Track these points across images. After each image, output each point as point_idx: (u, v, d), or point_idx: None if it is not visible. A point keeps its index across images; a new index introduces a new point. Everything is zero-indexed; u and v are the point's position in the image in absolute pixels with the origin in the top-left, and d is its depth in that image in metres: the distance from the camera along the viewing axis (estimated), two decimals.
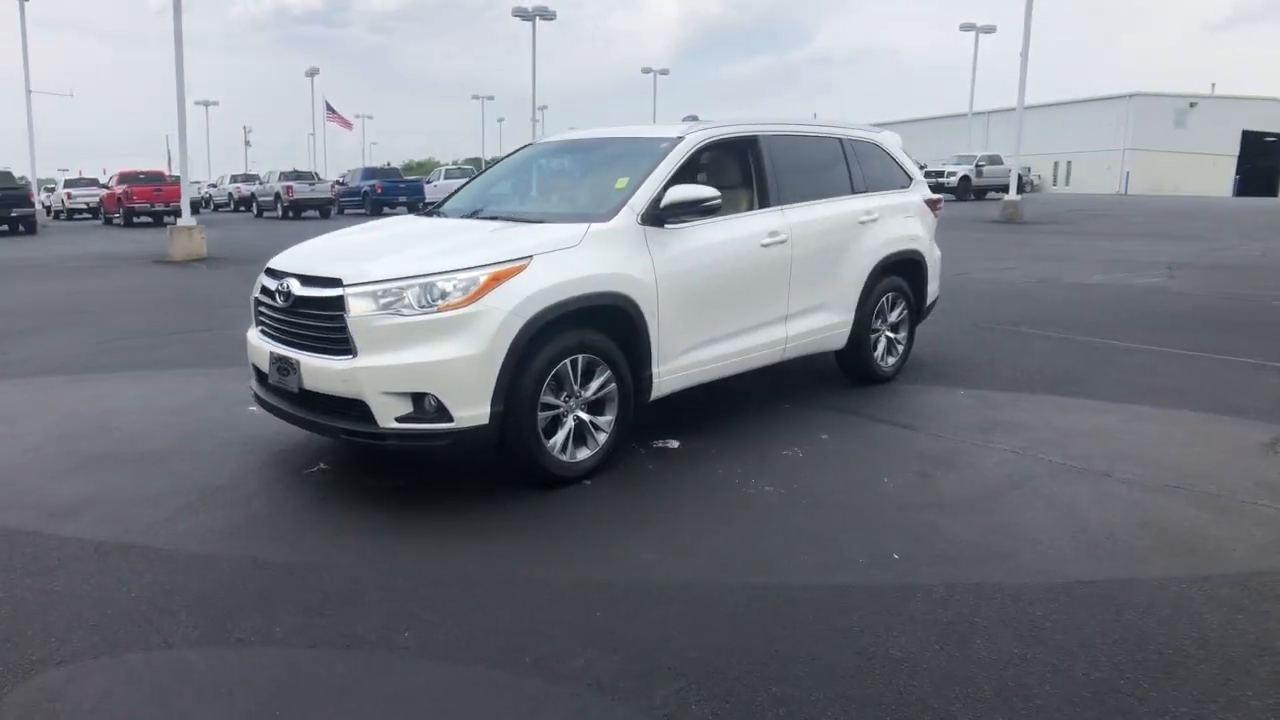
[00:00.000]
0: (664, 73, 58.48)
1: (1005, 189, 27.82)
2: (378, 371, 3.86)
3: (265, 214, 34.73)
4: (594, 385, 4.32)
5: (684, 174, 4.83)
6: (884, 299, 6.07)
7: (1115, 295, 10.58)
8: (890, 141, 6.41)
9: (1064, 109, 59.36)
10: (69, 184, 35.76)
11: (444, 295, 3.89)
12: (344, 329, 3.93)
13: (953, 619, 3.01)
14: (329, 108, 54.93)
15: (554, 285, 4.07)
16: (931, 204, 6.60)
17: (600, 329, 4.32)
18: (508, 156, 6.12)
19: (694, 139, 4.99)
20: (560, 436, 4.22)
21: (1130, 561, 3.45)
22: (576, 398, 4.27)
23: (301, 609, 3.12)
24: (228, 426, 5.25)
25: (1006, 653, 2.80)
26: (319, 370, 4.01)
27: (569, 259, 4.20)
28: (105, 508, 4.07)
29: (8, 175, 24.94)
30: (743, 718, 2.48)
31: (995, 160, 37.98)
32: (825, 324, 5.63)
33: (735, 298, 4.97)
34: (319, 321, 4.05)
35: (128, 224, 28.00)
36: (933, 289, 6.60)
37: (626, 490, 4.23)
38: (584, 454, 4.33)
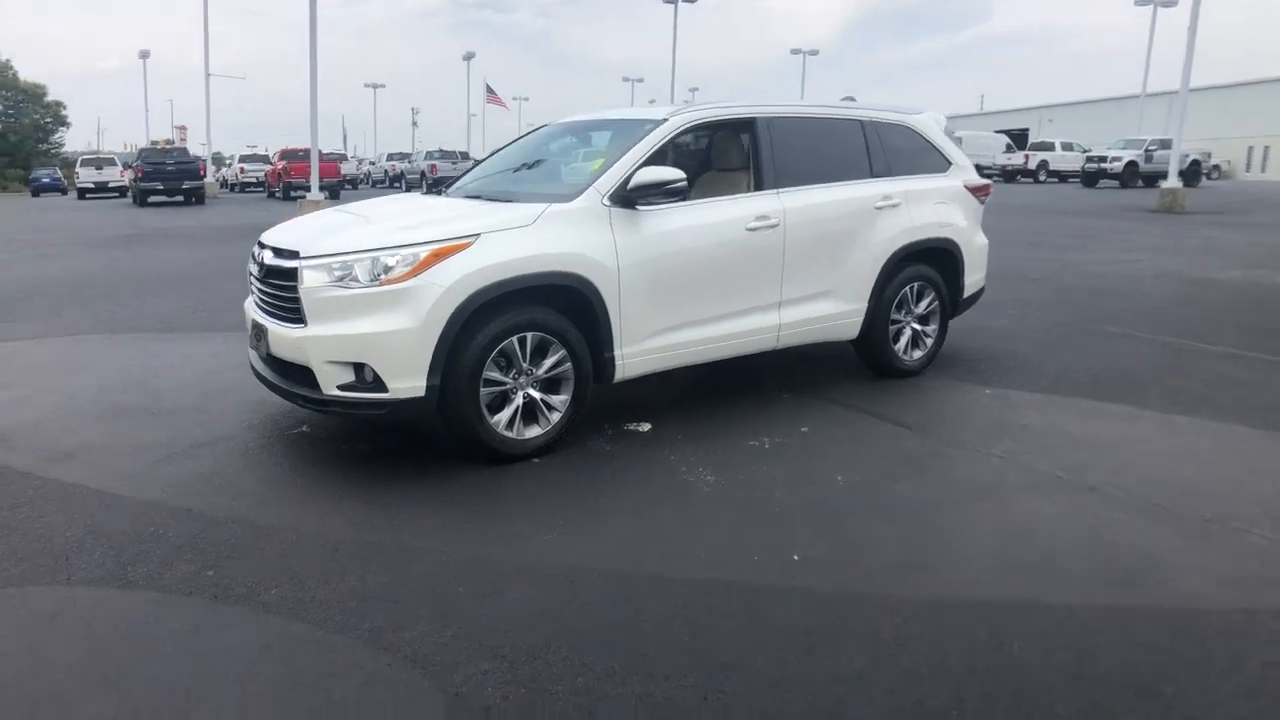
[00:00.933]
0: (813, 53, 57.24)
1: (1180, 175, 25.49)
2: (322, 341, 4.02)
3: (413, 190, 36.47)
4: (547, 364, 4.33)
5: (660, 157, 4.74)
6: (907, 289, 5.74)
7: (1238, 294, 9.55)
8: (926, 123, 6.03)
9: (1262, 88, 53.67)
10: (243, 159, 38.76)
11: (387, 270, 3.99)
12: (298, 299, 4.10)
13: (811, 628, 2.85)
14: (488, 89, 56.89)
15: (496, 264, 4.09)
16: (976, 189, 6.17)
17: (554, 308, 4.32)
18: (522, 136, 6.17)
19: (676, 121, 4.87)
20: (507, 413, 4.26)
21: (1050, 585, 3.14)
22: (528, 375, 4.29)
23: (199, 559, 3.31)
24: (243, 388, 5.60)
25: (845, 669, 2.63)
26: (280, 337, 4.22)
27: (518, 238, 4.22)
28: (96, 455, 4.45)
29: (183, 151, 27.38)
30: (532, 704, 2.45)
31: (1168, 145, 34.85)
32: (830, 312, 5.38)
33: (715, 281, 4.84)
34: (282, 291, 4.25)
35: (286, 197, 30.11)
36: (973, 280, 6.18)
37: (571, 470, 4.23)
38: (534, 432, 4.35)
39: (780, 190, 5.11)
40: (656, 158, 4.72)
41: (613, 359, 4.52)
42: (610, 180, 4.53)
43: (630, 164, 4.58)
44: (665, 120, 4.86)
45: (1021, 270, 10.98)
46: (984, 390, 5.60)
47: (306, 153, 30.86)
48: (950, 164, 6.07)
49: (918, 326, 5.89)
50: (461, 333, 4.06)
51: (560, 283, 4.27)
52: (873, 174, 5.61)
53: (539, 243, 4.24)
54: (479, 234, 4.14)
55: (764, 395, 5.50)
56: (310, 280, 4.05)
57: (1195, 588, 3.13)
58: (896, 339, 5.79)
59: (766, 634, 2.80)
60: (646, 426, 4.85)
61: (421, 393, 4.01)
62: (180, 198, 26.87)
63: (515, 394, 4.29)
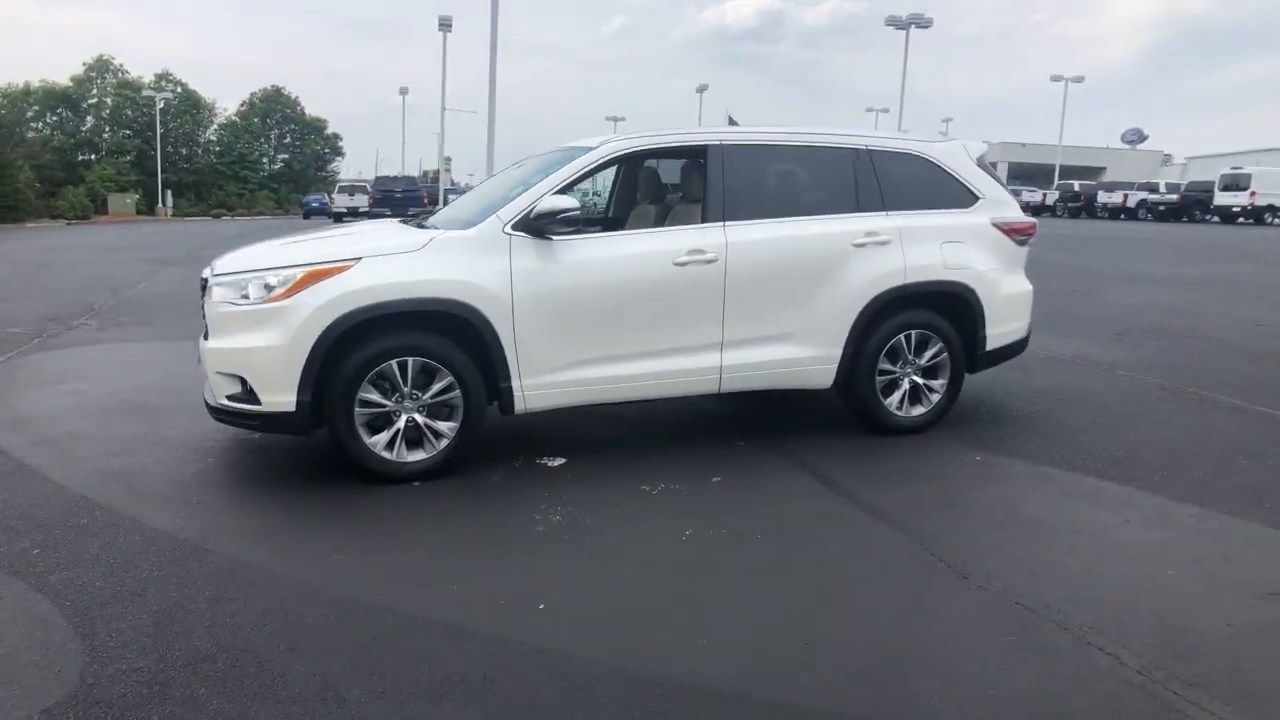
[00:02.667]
0: (1078, 80, 52.86)
1: None
2: (214, 353, 4.28)
3: None
4: (434, 389, 4.33)
5: (570, 188, 4.60)
6: (902, 337, 5.14)
7: None
8: (948, 153, 5.38)
9: None
10: (467, 187, 42.23)
11: (270, 289, 4.18)
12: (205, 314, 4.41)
13: (464, 675, 2.61)
14: (730, 120, 57.93)
15: (370, 287, 4.16)
16: (1010, 228, 5.42)
17: (446, 335, 4.32)
18: (511, 166, 6.24)
19: (605, 150, 4.72)
20: (386, 435, 4.29)
21: (739, 680, 2.67)
22: (412, 399, 4.31)
23: (41, 544, 3.61)
24: None
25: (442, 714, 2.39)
26: (200, 349, 4.54)
27: (399, 264, 4.26)
28: (73, 444, 5.00)
29: (410, 179, 30.34)
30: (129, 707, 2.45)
31: None
32: (790, 357, 4.93)
33: (636, 317, 4.60)
34: (203, 307, 4.58)
35: None
36: (1002, 332, 5.41)
37: (439, 498, 4.18)
38: (417, 456, 4.35)
39: (728, 223, 4.78)
40: (574, 187, 4.60)
41: (510, 389, 4.43)
42: (515, 209, 4.46)
43: (538, 193, 4.50)
44: (593, 149, 4.72)
45: (1193, 327, 9.43)
46: (994, 459, 4.83)
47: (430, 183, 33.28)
48: (977, 199, 5.38)
49: (920, 380, 5.25)
50: (333, 353, 4.15)
51: (442, 309, 4.26)
52: (859, 208, 5.09)
53: (421, 269, 4.26)
54: (360, 258, 4.23)
55: (717, 440, 5.14)
56: (216, 296, 4.33)
57: None
58: (889, 392, 5.19)
59: (421, 673, 2.61)
60: (559, 461, 4.69)
61: (291, 408, 4.15)
62: None
63: (398, 417, 4.31)
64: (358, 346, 4.19)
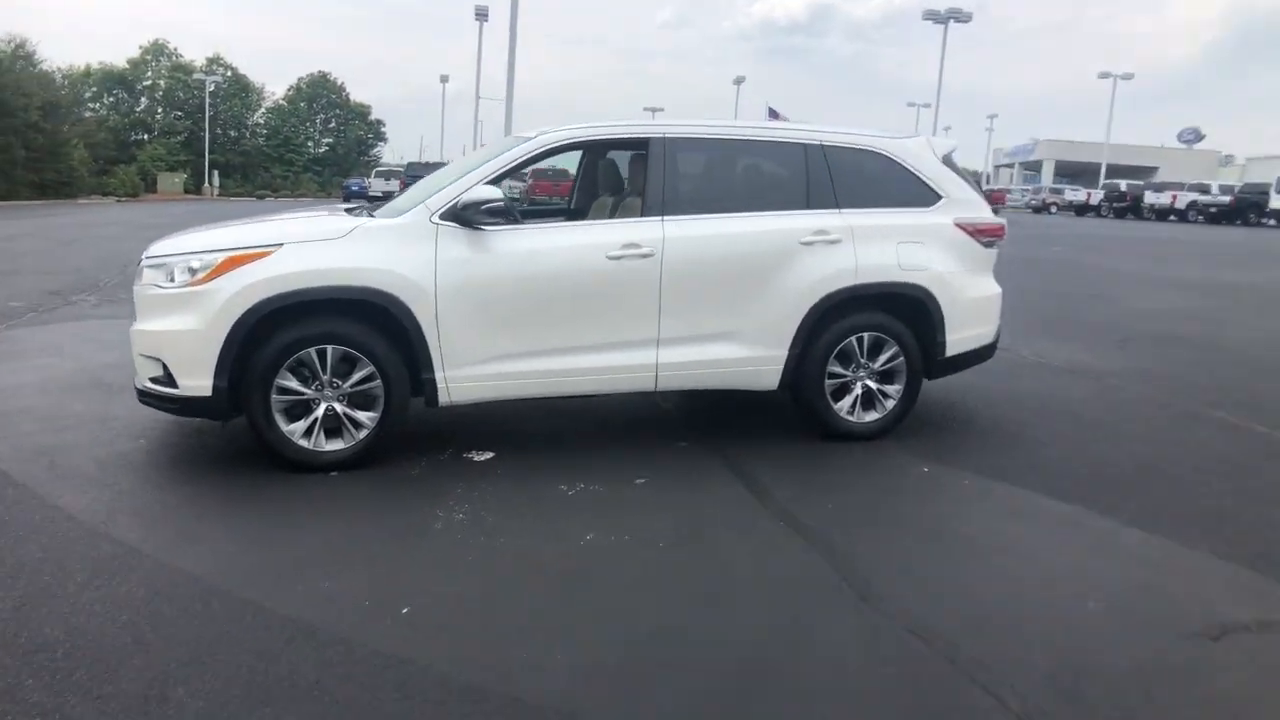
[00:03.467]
0: (1127, 78, 51.40)
1: None
2: (137, 335, 4.27)
3: None
4: (354, 379, 4.27)
5: (502, 178, 4.50)
6: (853, 340, 4.96)
7: None
8: (910, 150, 5.17)
9: None
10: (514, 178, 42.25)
11: (192, 273, 4.15)
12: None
13: (294, 678, 2.54)
14: (771, 112, 57.40)
15: (288, 274, 4.11)
16: (975, 229, 5.20)
17: (364, 324, 4.26)
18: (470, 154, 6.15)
19: (541, 141, 4.61)
20: (303, 424, 4.25)
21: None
22: (333, 388, 4.26)
23: None
24: None
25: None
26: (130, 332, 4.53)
27: (320, 251, 4.20)
28: (20, 419, 5.03)
29: (441, 165, 30.38)
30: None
31: None
32: (731, 357, 4.78)
33: (565, 311, 4.49)
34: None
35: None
36: (964, 336, 5.20)
37: (351, 490, 4.12)
38: (335, 445, 4.30)
39: (667, 218, 4.64)
40: (508, 176, 4.50)
41: (434, 380, 4.36)
42: (444, 198, 4.38)
43: (469, 182, 4.40)
44: (530, 139, 4.62)
45: (1210, 337, 9.04)
46: (957, 479, 4.53)
47: (554, 173, 33.09)
48: (939, 198, 5.17)
49: (874, 385, 5.07)
50: (250, 339, 4.11)
51: (361, 298, 4.19)
52: (809, 205, 4.92)
53: (341, 257, 4.19)
54: (281, 244, 4.18)
55: (660, 438, 5.02)
56: (145, 279, 4.31)
57: None
58: (840, 396, 5.02)
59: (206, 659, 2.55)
60: (487, 456, 4.61)
61: (208, 392, 4.12)
62: None
63: (316, 405, 4.26)
64: (276, 333, 4.14)
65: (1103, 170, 51.96)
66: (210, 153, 56.72)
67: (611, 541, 3.64)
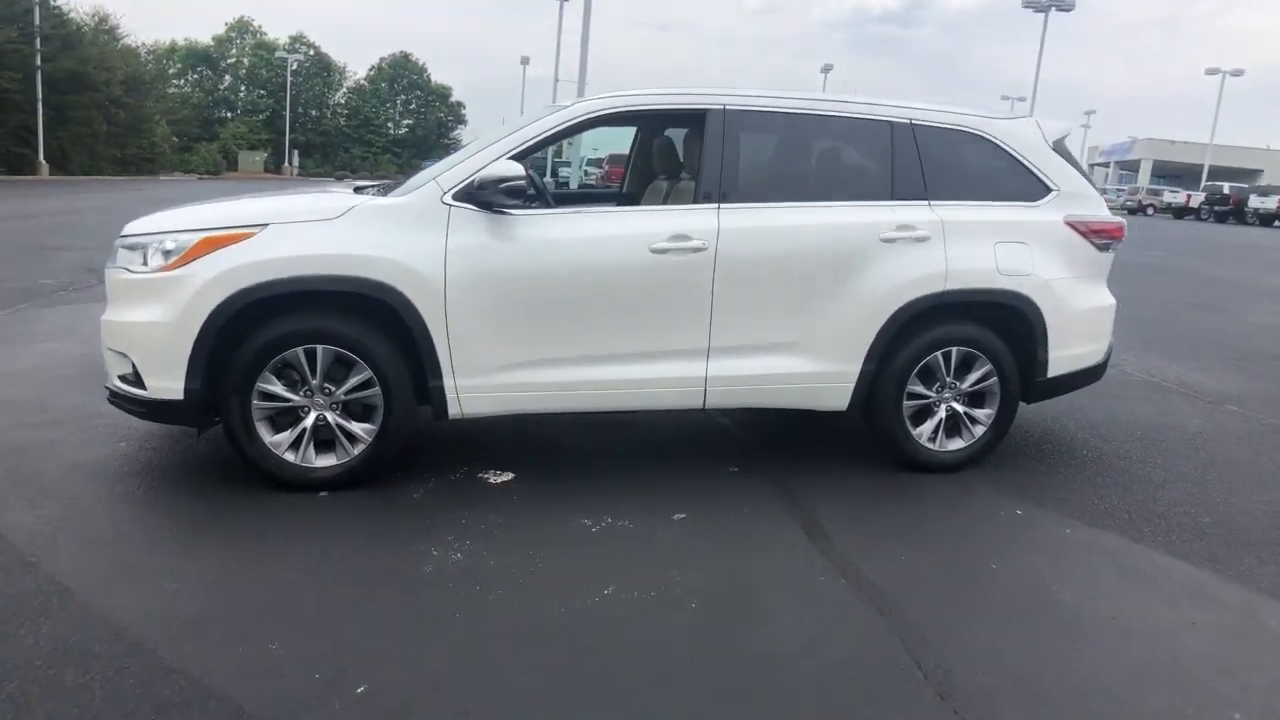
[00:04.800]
0: (1236, 74, 48.42)
1: None
2: (106, 326, 3.75)
3: None
4: (349, 384, 3.68)
5: (529, 153, 3.83)
6: (939, 355, 4.19)
7: None
8: (1015, 132, 4.35)
9: None
10: (589, 162, 41.70)
11: (167, 255, 3.60)
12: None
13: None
14: None
15: (271, 259, 3.52)
16: (1089, 229, 4.37)
17: (361, 321, 3.66)
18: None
19: (580, 109, 3.92)
20: (288, 435, 3.68)
21: None
22: (325, 394, 3.68)
23: None
24: None
25: None
26: None
27: (310, 233, 3.60)
28: (1, 411, 4.60)
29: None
30: None
31: None
32: (795, 371, 4.06)
33: (599, 312, 3.83)
34: None
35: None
36: (1070, 354, 4.38)
37: (338, 516, 3.54)
38: (326, 461, 3.73)
39: (724, 206, 3.93)
40: (538, 149, 3.85)
41: (441, 389, 3.74)
42: (457, 175, 3.74)
43: (489, 156, 3.76)
44: (566, 107, 3.94)
45: None
46: (1058, 527, 3.75)
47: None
48: (1049, 190, 4.35)
49: (960, 408, 4.29)
50: (227, 334, 3.55)
51: (355, 290, 3.59)
52: (894, 195, 4.15)
53: (333, 241, 3.59)
54: (267, 224, 3.59)
55: (709, 461, 4.32)
56: (119, 260, 3.78)
57: None
58: (920, 419, 4.26)
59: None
60: (506, 477, 3.99)
61: (179, 395, 3.57)
62: None
63: (305, 414, 3.69)
64: (259, 329, 3.57)
65: (1204, 172, 49.03)
66: (291, 132, 57.67)
67: (634, 599, 2.97)
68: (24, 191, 25.36)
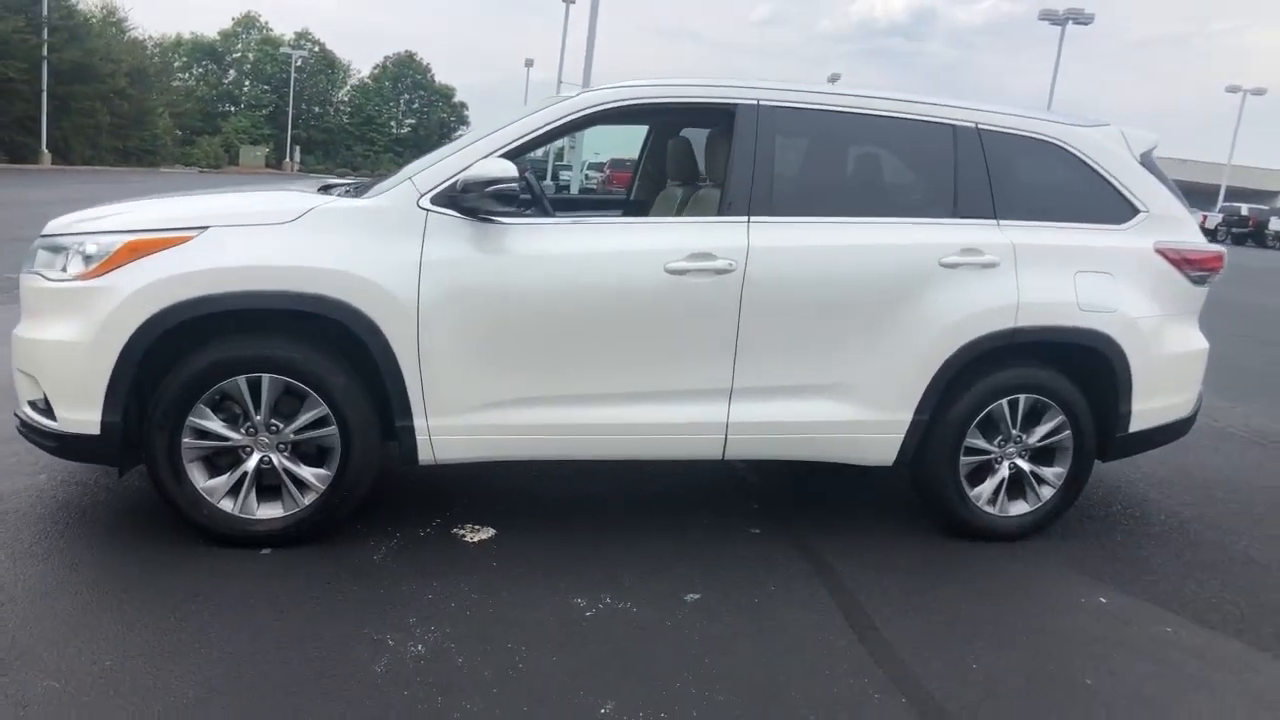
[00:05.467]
0: (1259, 93, 47.78)
1: None
2: (15, 342, 3.11)
3: None
4: (300, 422, 3.04)
5: (523, 151, 3.19)
6: (1004, 402, 3.55)
7: None
8: (1098, 143, 3.70)
9: None
10: (590, 166, 41.06)
11: (88, 260, 2.97)
12: None
13: None
14: None
15: (212, 270, 2.89)
16: (1183, 257, 3.73)
17: (317, 346, 3.03)
18: None
19: (586, 100, 3.28)
20: (225, 479, 3.04)
21: None
22: (271, 432, 3.04)
23: None
24: None
25: None
26: None
27: (260, 239, 2.97)
28: None
29: None
30: None
31: None
32: (835, 419, 3.42)
33: (602, 342, 3.19)
34: None
35: None
36: (1155, 406, 3.74)
37: (278, 583, 2.89)
38: (271, 513, 3.09)
39: (755, 220, 3.29)
40: (534, 147, 3.21)
41: (411, 429, 3.10)
42: (438, 174, 3.11)
43: (475, 153, 3.13)
44: (569, 99, 3.30)
45: None
46: (1154, 622, 3.09)
47: (633, 163, 31.75)
48: (1137, 211, 3.71)
49: (1026, 465, 3.65)
50: (154, 359, 2.91)
51: (309, 309, 2.95)
52: (957, 212, 3.51)
53: (286, 249, 2.95)
54: (205, 227, 2.95)
55: (725, 519, 3.68)
56: (37, 263, 3.14)
57: None
58: (979, 478, 3.62)
59: None
60: (485, 534, 3.34)
61: (95, 429, 2.93)
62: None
63: (247, 455, 3.05)
64: (192, 353, 2.94)
65: (1221, 192, 48.37)
66: (293, 128, 57.18)
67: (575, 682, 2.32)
68: (23, 180, 24.78)
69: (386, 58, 69.39)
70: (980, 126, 3.58)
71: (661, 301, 3.19)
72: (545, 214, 3.40)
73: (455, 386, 3.09)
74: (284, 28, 67.43)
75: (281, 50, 60.48)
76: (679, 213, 3.99)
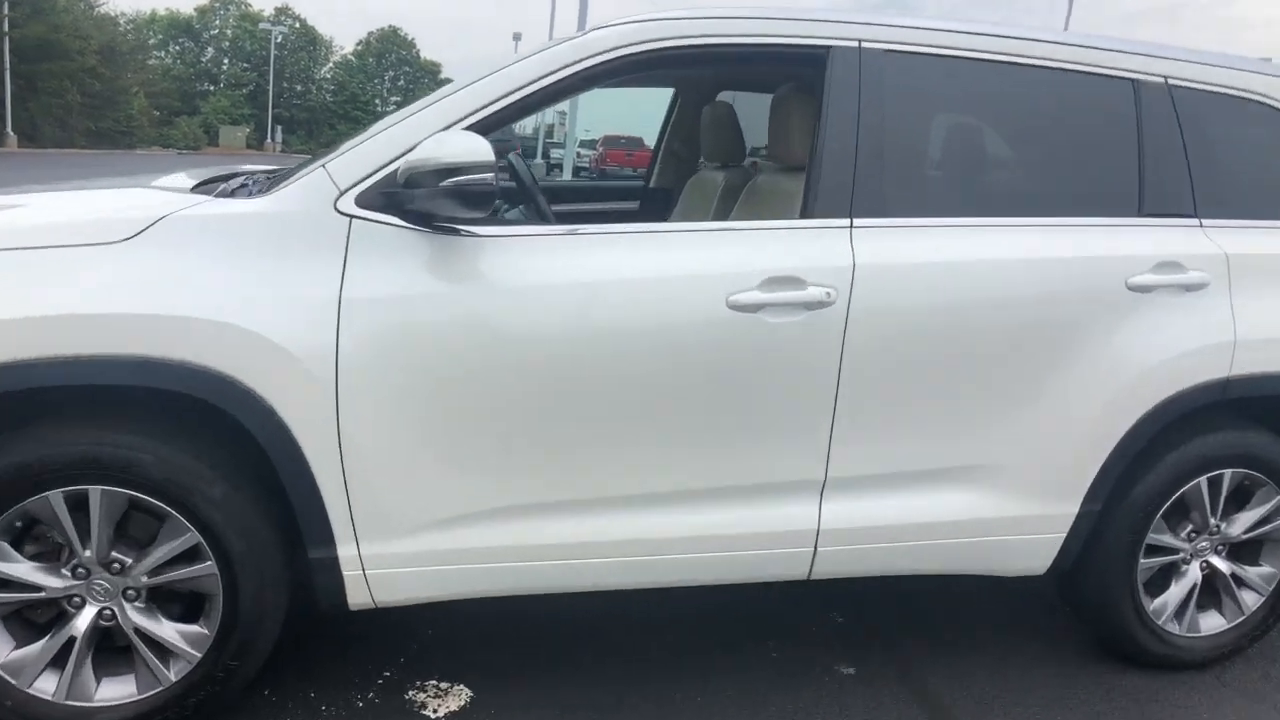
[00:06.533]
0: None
1: None
2: None
3: None
4: (156, 556, 1.92)
5: (502, 121, 2.04)
6: (1202, 481, 2.45)
7: None
8: None
9: None
10: (582, 144, 39.55)
11: None
12: None
13: None
14: None
15: None
16: None
17: (179, 434, 1.90)
18: None
19: (592, 42, 2.09)
20: (40, 646, 1.93)
21: None
22: (113, 571, 1.92)
23: None
24: None
25: None
26: None
27: (74, 268, 1.82)
28: None
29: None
30: None
31: None
32: (974, 517, 2.31)
33: (635, 419, 2.07)
34: None
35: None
36: None
37: None
38: (117, 691, 1.98)
39: (861, 222, 2.16)
40: (515, 117, 2.07)
41: (334, 564, 1.98)
42: (364, 159, 1.97)
43: (424, 126, 1.98)
44: (569, 40, 2.13)
45: None
46: None
47: (627, 140, 30.33)
48: None
49: (1224, 565, 2.56)
50: None
51: (155, 384, 1.82)
52: (1143, 208, 2.39)
53: (114, 286, 1.81)
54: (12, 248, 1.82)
55: (797, 659, 2.57)
56: None
57: None
58: (1159, 585, 2.53)
59: None
60: (454, 701, 2.23)
61: None
62: None
63: (77, 608, 1.93)
64: None
65: None
66: (275, 107, 55.49)
67: None
68: None
69: (370, 33, 67.55)
70: (1172, 81, 2.44)
71: (723, 354, 2.06)
72: (540, 218, 2.27)
73: (400, 494, 1.98)
74: (263, 3, 65.25)
75: (261, 26, 58.52)
76: (719, 206, 2.89)
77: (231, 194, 2.15)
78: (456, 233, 1.95)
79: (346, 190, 1.93)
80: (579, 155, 34.95)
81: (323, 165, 1.96)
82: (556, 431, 2.03)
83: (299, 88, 62.65)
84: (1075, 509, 2.39)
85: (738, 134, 3.10)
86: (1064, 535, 2.41)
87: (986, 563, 2.43)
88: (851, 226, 2.15)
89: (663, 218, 3.33)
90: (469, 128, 1.96)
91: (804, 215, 2.19)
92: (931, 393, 2.21)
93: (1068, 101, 2.40)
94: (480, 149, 1.84)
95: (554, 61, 2.06)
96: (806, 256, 2.10)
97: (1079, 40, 2.41)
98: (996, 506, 2.34)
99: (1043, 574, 2.47)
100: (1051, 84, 2.37)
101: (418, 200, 1.88)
